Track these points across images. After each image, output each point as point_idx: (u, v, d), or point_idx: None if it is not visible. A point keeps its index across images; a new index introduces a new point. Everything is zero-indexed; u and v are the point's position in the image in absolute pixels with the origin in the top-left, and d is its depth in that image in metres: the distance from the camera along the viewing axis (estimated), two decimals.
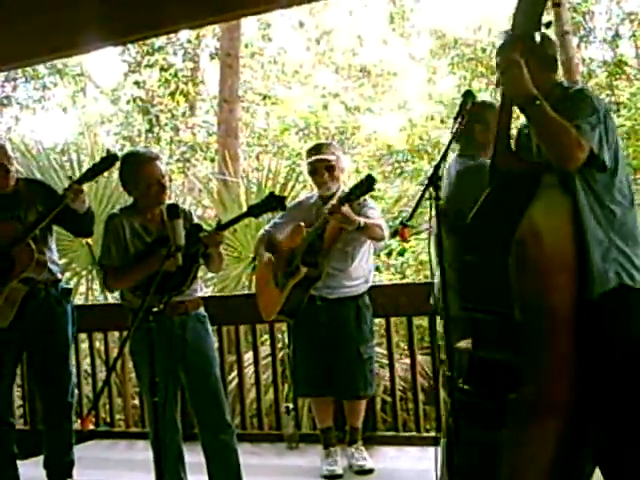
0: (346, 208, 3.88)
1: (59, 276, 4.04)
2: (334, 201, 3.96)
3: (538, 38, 2.44)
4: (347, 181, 5.38)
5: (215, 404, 3.60)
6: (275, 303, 4.13)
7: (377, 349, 4.98)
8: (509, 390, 2.40)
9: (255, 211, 3.55)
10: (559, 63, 2.79)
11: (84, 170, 3.93)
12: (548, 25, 2.38)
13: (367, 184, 3.87)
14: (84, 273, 7.27)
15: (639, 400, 2.46)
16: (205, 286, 3.59)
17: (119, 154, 3.78)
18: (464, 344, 2.71)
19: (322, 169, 4.16)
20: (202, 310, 3.70)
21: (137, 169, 3.59)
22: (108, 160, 3.77)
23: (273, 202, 3.50)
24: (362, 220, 3.98)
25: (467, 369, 2.65)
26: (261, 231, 4.44)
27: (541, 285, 2.41)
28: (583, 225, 2.44)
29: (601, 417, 2.45)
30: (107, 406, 5.67)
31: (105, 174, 4.26)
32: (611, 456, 2.51)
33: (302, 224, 4.07)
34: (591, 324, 2.40)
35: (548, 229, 2.41)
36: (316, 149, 4.25)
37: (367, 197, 4.16)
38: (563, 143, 2.40)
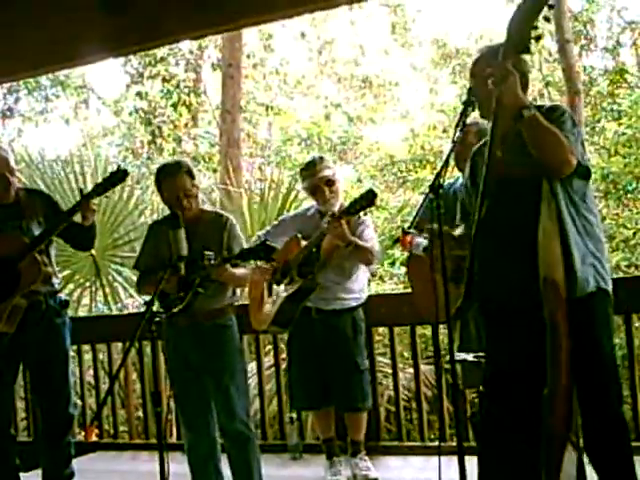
0: (344, 223, 3.82)
1: (57, 287, 4.03)
2: (333, 213, 3.90)
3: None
4: (349, 191, 5.37)
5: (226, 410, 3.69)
6: (268, 314, 4.08)
7: (381, 359, 4.96)
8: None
9: (245, 256, 3.61)
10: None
11: (93, 185, 3.93)
12: (538, 38, 2.41)
13: (368, 198, 3.79)
14: (87, 285, 7.26)
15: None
16: None
17: (129, 169, 3.82)
18: (465, 355, 2.72)
19: (323, 186, 4.07)
20: (221, 320, 3.74)
21: None
22: (118, 175, 3.79)
23: (262, 251, 3.55)
24: (354, 240, 3.92)
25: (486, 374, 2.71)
26: (254, 238, 4.40)
27: (551, 288, 2.48)
28: (565, 230, 2.53)
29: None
30: (111, 418, 5.66)
31: None
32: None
33: (299, 235, 4.03)
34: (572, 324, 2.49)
35: (552, 234, 2.49)
36: (311, 168, 4.11)
37: (363, 215, 4.01)
38: (559, 149, 2.48)
